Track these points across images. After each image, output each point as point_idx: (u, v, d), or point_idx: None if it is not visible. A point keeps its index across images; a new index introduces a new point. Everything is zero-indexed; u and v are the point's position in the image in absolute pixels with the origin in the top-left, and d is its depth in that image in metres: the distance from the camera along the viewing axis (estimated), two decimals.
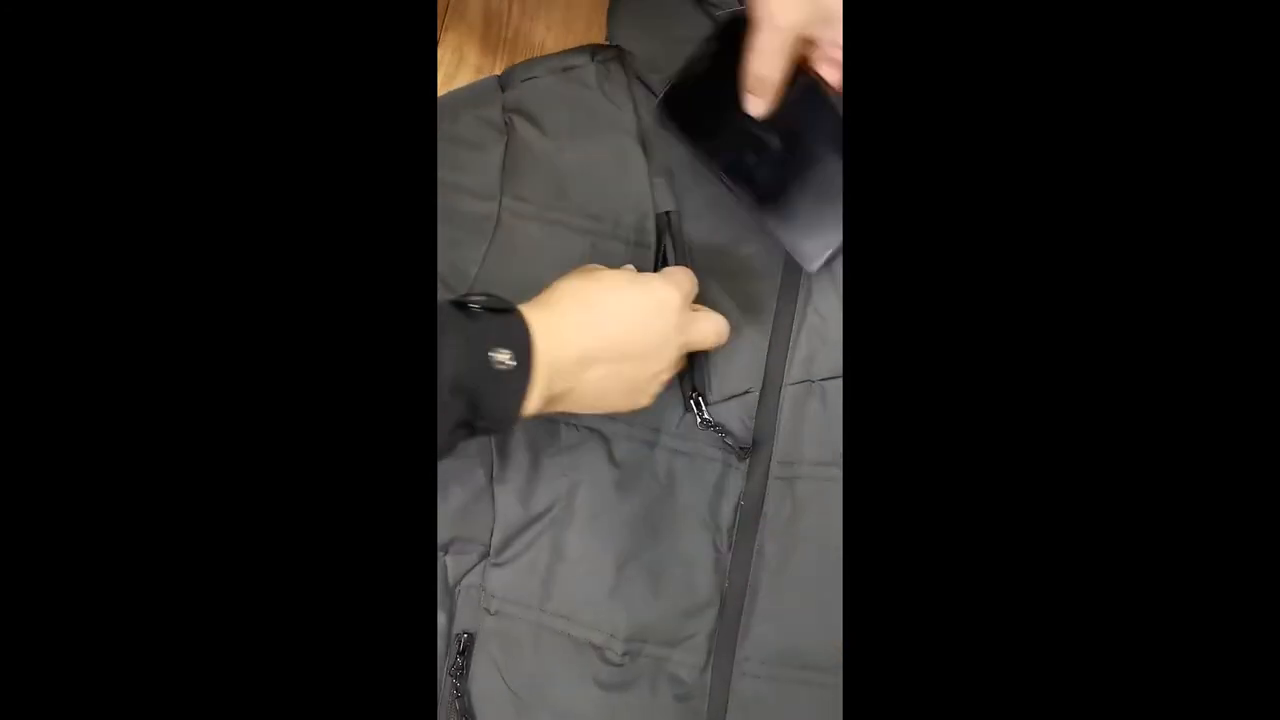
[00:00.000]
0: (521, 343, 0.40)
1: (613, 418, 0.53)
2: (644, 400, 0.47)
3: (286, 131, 0.31)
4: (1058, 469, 0.30)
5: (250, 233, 0.30)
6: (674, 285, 0.46)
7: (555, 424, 0.53)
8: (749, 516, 0.53)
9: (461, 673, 0.52)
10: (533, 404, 0.41)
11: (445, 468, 0.52)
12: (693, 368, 0.53)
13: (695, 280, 0.49)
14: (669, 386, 0.49)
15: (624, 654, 0.51)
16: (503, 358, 0.39)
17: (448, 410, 0.37)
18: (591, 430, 0.53)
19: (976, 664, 0.30)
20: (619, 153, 0.54)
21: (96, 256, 0.30)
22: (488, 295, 0.41)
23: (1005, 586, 0.30)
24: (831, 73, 0.49)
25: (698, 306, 0.49)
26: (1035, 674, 0.30)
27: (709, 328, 0.48)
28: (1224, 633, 0.29)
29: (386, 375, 0.31)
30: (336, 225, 0.31)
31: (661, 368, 0.46)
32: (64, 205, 0.29)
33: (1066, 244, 0.30)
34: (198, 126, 0.30)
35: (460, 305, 0.40)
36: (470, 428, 0.40)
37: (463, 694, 0.52)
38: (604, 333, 0.43)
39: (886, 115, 0.32)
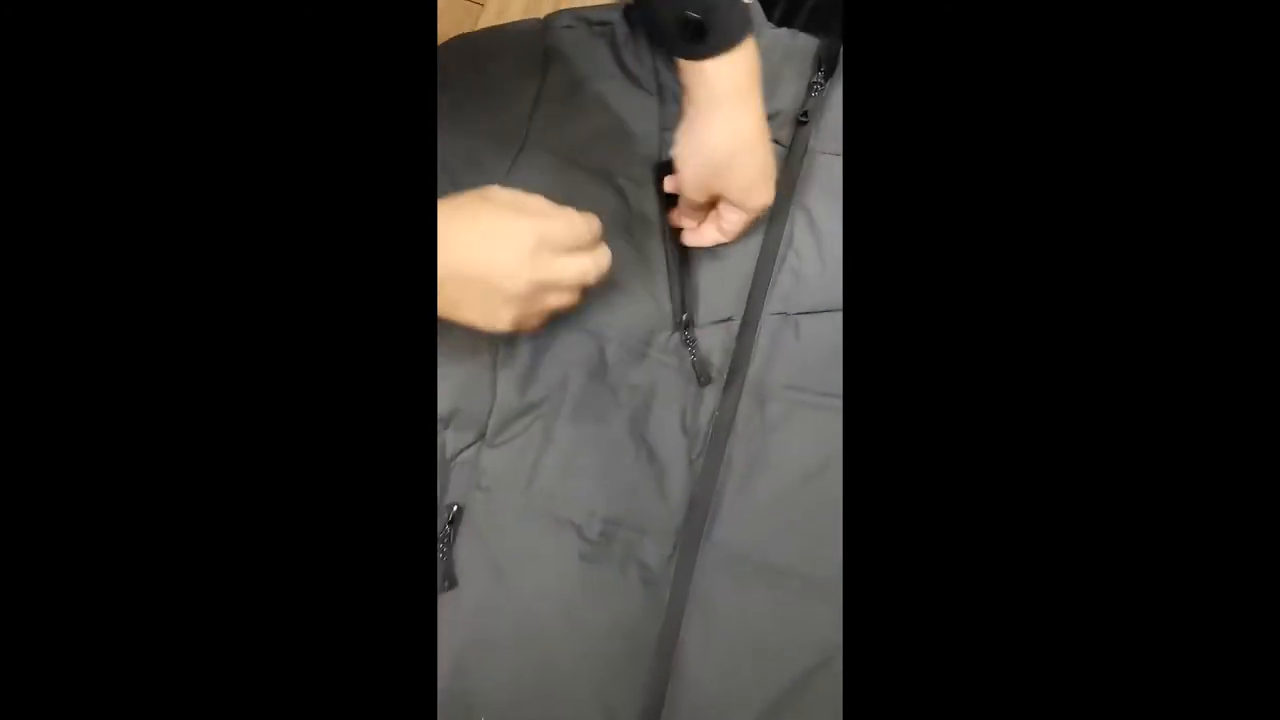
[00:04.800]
0: None
1: (609, 327, 0.59)
2: (499, 324, 0.50)
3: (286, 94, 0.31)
4: (1045, 404, 0.31)
5: (246, 190, 0.31)
6: (532, 225, 0.49)
7: (555, 325, 0.59)
8: (721, 428, 0.59)
9: (449, 540, 0.56)
10: None
11: (453, 346, 0.58)
12: (684, 292, 0.60)
13: (582, 224, 0.52)
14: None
15: (600, 534, 0.56)
16: None
17: None
18: (590, 334, 0.59)
19: (970, 585, 0.31)
20: (636, 105, 0.62)
21: (96, 259, 0.30)
22: None
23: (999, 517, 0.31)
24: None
25: (599, 246, 0.54)
26: (1021, 594, 0.31)
27: (574, 270, 0.51)
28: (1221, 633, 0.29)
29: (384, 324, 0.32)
30: (334, 182, 0.32)
31: (509, 297, 0.49)
32: (63, 210, 0.30)
33: (1051, 196, 0.31)
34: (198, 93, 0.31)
35: None
36: None
37: (447, 559, 0.56)
38: (450, 256, 0.46)
39: (885, 92, 0.33)
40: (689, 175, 0.56)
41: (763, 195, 0.57)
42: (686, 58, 0.51)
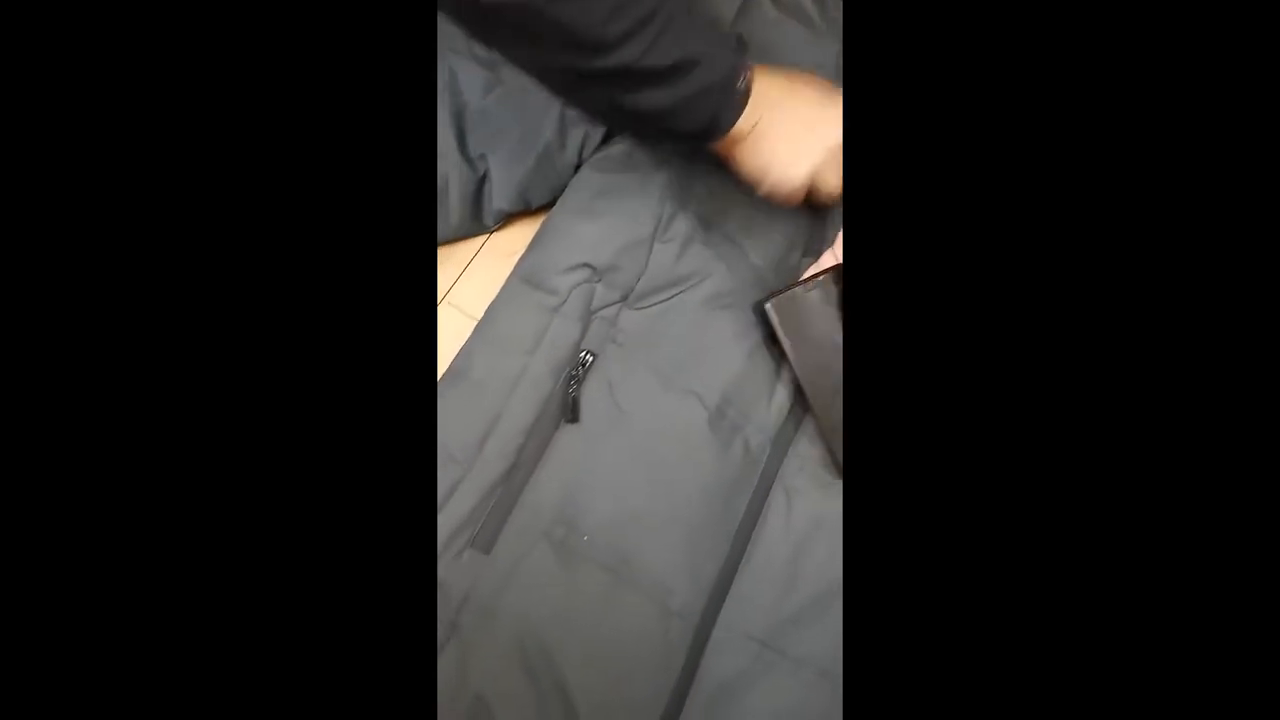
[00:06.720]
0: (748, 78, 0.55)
1: (751, 248, 0.66)
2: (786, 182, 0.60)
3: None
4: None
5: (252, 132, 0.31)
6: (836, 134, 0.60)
7: (711, 223, 0.65)
8: None
9: (579, 380, 0.62)
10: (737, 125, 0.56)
11: (621, 211, 0.63)
12: (813, 227, 0.67)
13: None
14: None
15: (716, 406, 0.62)
16: (740, 83, 0.54)
17: (700, 106, 0.53)
18: (737, 244, 0.66)
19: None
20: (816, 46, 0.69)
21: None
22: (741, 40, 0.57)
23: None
24: None
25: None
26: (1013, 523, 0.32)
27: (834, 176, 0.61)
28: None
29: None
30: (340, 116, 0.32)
31: (803, 166, 0.59)
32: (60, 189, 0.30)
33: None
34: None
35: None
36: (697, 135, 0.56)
37: (575, 396, 0.61)
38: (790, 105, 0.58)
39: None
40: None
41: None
42: None
